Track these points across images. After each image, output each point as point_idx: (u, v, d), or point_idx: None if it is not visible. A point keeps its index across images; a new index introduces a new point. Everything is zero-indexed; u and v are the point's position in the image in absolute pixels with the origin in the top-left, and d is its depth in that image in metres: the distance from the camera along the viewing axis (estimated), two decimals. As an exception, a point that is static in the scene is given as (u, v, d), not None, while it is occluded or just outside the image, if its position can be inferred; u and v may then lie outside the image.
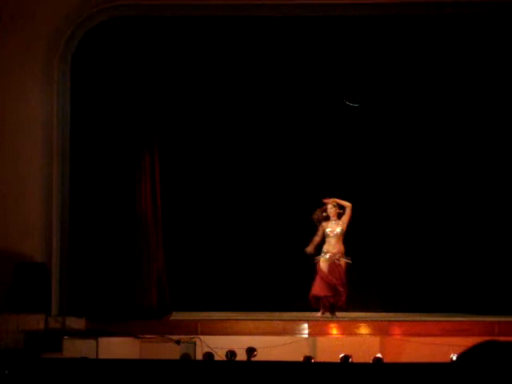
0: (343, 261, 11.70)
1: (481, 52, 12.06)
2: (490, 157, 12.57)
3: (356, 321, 11.40)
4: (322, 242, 11.80)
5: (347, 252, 11.82)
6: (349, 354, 9.08)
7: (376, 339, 10.83)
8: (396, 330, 11.10)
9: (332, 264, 11.68)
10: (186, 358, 9.52)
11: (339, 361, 8.90)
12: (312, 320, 11.35)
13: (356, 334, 11.04)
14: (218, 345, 10.32)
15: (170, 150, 12.62)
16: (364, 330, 11.11)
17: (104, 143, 11.79)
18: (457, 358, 2.63)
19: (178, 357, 9.76)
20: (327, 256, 11.71)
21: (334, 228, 11.71)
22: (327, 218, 11.78)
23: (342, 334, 11.10)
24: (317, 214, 11.75)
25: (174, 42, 11.98)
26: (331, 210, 11.76)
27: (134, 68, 11.87)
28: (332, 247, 11.70)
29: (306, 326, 11.13)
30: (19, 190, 11.53)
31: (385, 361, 9.21)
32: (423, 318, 11.67)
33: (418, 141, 12.86)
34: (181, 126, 12.84)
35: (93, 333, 10.71)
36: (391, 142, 12.95)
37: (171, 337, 10.76)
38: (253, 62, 12.31)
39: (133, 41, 11.85)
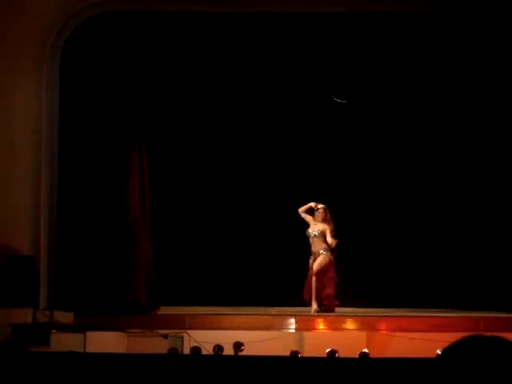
0: (322, 257, 11.81)
1: (471, 47, 12.10)
2: (481, 152, 12.59)
3: (343, 316, 11.46)
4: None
5: (337, 247, 11.90)
6: (335, 348, 9.13)
7: (362, 334, 10.88)
8: (382, 326, 11.16)
9: (313, 262, 11.83)
10: (174, 353, 9.54)
11: (326, 355, 8.95)
12: (299, 315, 11.41)
13: (343, 329, 11.10)
14: (205, 339, 10.34)
15: (158, 146, 12.63)
16: (351, 325, 11.17)
17: (93, 138, 11.81)
18: (441, 352, 2.67)
19: (165, 351, 9.77)
20: (311, 257, 11.88)
21: (313, 229, 11.90)
22: (311, 213, 11.93)
23: (329, 329, 11.16)
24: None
25: (164, 37, 12.00)
26: (321, 213, 11.89)
27: (124, 64, 11.89)
28: (312, 247, 11.91)
29: (292, 320, 11.19)
30: (7, 183, 11.52)
31: (371, 356, 9.27)
32: (409, 314, 11.73)
33: (409, 135, 12.87)
34: (169, 121, 12.84)
35: (80, 327, 10.71)
36: (384, 137, 12.97)
37: (159, 331, 10.78)
38: (242, 58, 12.32)
39: (123, 36, 11.86)
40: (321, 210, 11.93)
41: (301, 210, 12.02)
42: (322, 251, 11.84)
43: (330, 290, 11.75)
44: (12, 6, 11.56)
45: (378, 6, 11.86)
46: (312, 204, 12.00)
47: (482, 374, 2.50)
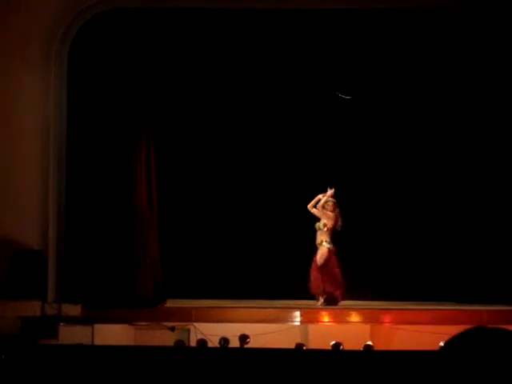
0: (321, 249, 11.91)
1: (474, 44, 12.12)
2: (481, 148, 12.65)
3: (347, 309, 11.53)
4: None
5: (338, 240, 11.97)
6: (340, 341, 9.19)
7: (367, 327, 10.95)
8: (386, 318, 11.23)
9: (316, 254, 11.92)
10: (180, 345, 9.61)
11: (330, 348, 9.02)
12: (304, 308, 11.48)
13: (347, 322, 11.17)
14: (211, 332, 10.42)
15: (165, 141, 12.70)
16: (355, 317, 11.24)
17: (100, 134, 11.87)
18: (444, 344, 2.72)
19: (172, 343, 9.84)
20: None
21: (321, 222, 11.98)
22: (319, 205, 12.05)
23: (334, 322, 11.23)
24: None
25: (170, 32, 12.04)
26: (330, 206, 11.97)
27: (131, 59, 11.94)
28: (317, 239, 11.98)
29: (298, 313, 11.26)
30: (16, 178, 11.60)
31: (375, 348, 9.34)
32: (413, 307, 11.80)
33: (413, 130, 12.93)
34: (176, 117, 12.90)
35: (88, 319, 10.79)
36: (388, 132, 13.02)
37: (166, 324, 10.86)
38: (247, 54, 12.35)
39: (129, 32, 11.91)
40: (330, 203, 11.99)
41: (309, 205, 12.05)
42: (322, 242, 11.94)
43: (337, 283, 11.82)
44: (19, 5, 11.62)
45: (382, 2, 11.90)
46: (320, 196, 12.05)
47: (485, 366, 2.54)
